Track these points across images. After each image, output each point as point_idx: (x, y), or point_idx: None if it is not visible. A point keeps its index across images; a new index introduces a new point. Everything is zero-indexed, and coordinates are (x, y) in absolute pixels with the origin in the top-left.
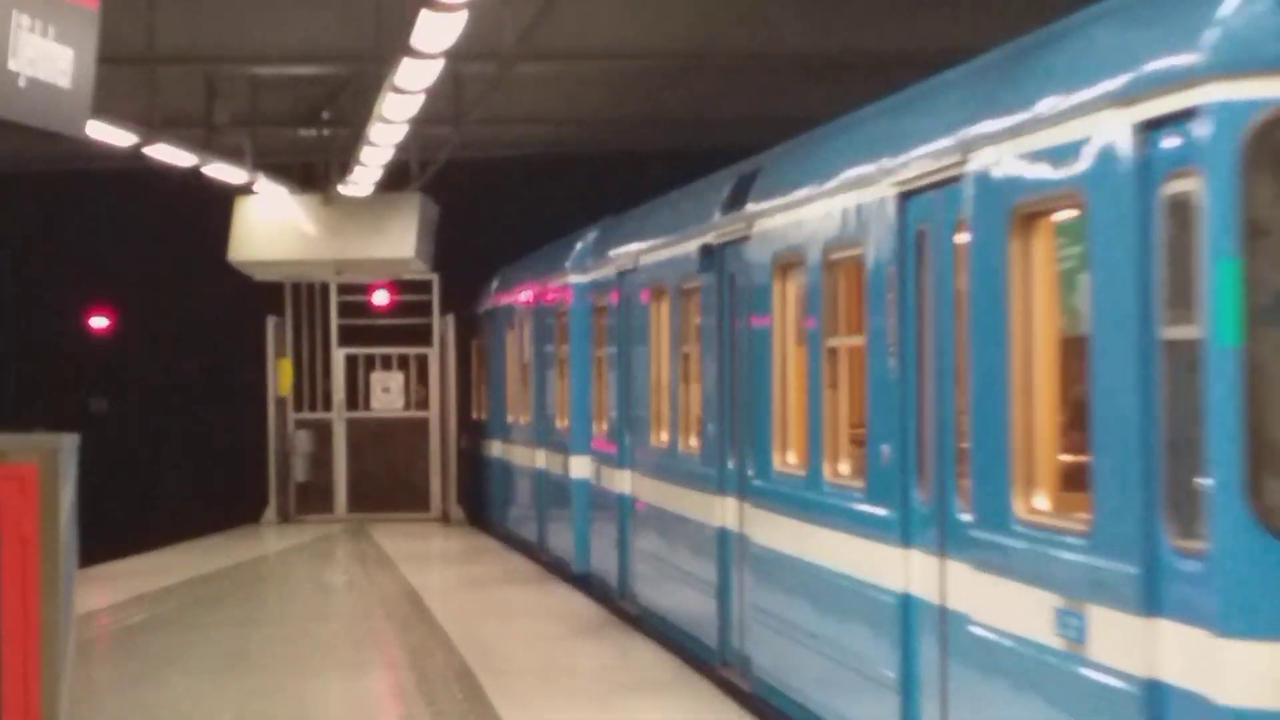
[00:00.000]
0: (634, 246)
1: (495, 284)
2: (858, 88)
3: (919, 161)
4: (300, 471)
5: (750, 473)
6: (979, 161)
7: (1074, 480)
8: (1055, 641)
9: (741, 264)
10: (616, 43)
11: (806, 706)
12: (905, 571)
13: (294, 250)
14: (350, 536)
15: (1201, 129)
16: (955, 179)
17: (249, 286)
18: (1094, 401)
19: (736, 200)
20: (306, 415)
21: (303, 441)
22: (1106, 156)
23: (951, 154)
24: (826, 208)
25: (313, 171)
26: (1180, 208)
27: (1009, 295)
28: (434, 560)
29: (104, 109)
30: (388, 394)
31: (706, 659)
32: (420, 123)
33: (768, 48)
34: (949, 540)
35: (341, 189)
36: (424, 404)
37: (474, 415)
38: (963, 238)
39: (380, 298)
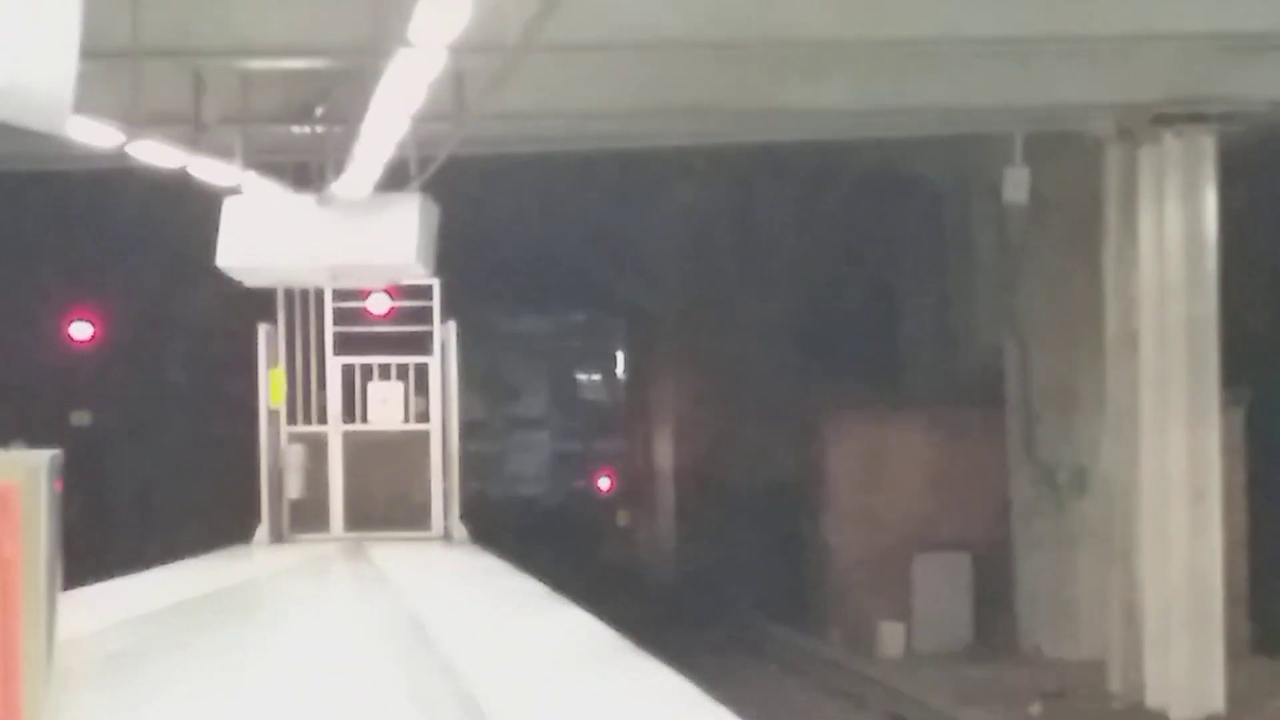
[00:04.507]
0: None
1: None
2: (883, 77)
3: None
4: (294, 488)
5: None
6: None
7: None
8: None
9: None
10: (632, 33)
11: None
12: None
13: (287, 254)
14: (347, 556)
15: None
16: None
17: (239, 292)
18: None
19: None
20: (300, 428)
21: (296, 456)
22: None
23: None
24: None
25: (306, 171)
26: None
27: None
28: (437, 581)
29: (85, 106)
30: (386, 405)
31: None
32: (421, 119)
33: (785, 33)
34: None
35: (337, 189)
36: (424, 416)
37: None
38: None
39: (378, 304)
